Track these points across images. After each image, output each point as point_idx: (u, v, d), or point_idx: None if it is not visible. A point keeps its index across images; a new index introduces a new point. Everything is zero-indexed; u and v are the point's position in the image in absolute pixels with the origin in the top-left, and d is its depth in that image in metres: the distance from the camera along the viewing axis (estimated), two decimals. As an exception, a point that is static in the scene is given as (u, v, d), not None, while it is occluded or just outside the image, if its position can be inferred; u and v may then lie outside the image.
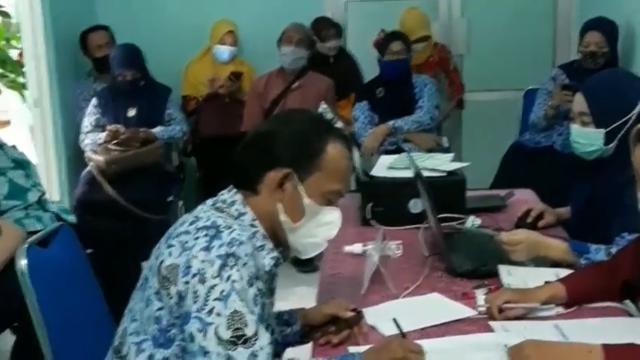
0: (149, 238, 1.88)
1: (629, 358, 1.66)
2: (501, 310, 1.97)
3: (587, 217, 2.53)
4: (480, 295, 2.11)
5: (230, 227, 1.62)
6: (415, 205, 2.75)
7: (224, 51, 5.31)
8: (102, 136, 4.63)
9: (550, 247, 2.31)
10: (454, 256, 2.35)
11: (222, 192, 1.77)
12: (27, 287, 1.97)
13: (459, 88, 5.43)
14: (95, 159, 4.56)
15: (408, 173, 2.73)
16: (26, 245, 2.06)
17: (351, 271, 2.39)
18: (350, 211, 2.99)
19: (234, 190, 1.75)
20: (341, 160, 1.74)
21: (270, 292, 1.76)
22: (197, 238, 1.60)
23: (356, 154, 3.06)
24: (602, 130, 2.42)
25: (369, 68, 5.08)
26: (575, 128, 2.50)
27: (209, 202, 1.76)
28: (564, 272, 2.19)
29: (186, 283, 1.56)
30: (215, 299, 1.53)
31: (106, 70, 4.88)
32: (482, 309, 2.02)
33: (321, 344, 1.91)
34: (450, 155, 3.18)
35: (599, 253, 2.23)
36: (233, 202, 1.73)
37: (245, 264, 1.57)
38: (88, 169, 4.61)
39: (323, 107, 3.11)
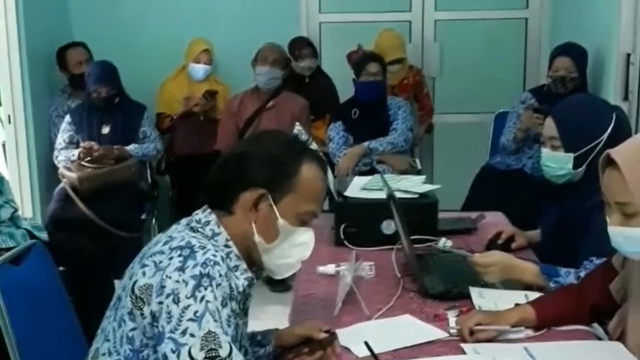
0: (122, 256, 1.89)
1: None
2: (472, 333, 2.00)
3: (556, 240, 2.56)
4: (452, 317, 2.15)
5: (204, 247, 1.62)
6: (388, 227, 2.77)
7: (199, 69, 5.32)
8: (75, 152, 4.61)
9: (523, 269, 2.35)
10: (426, 277, 2.38)
11: (197, 212, 1.77)
12: (-1, 305, 1.96)
13: (429, 113, 5.50)
14: (68, 176, 4.54)
15: (382, 194, 2.76)
16: (-1, 263, 2.05)
17: (324, 292, 2.41)
18: (323, 232, 3.01)
19: (209, 210, 1.75)
20: (315, 182, 1.76)
21: (243, 312, 1.77)
22: (171, 258, 1.60)
23: (330, 174, 3.08)
24: (572, 155, 2.45)
25: (343, 89, 5.12)
26: (545, 152, 2.54)
27: (183, 221, 1.76)
28: (534, 295, 2.22)
29: (160, 303, 1.56)
30: (189, 320, 1.53)
31: (82, 86, 4.88)
32: (454, 331, 2.05)
33: None
34: (423, 177, 3.21)
35: (568, 276, 2.26)
36: (207, 222, 1.73)
37: (219, 284, 1.57)
38: (61, 185, 4.59)
39: (298, 128, 3.13)
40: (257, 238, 1.73)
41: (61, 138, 4.72)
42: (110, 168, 4.55)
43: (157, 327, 1.56)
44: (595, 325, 2.12)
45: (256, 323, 2.07)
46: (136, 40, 5.57)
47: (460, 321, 2.05)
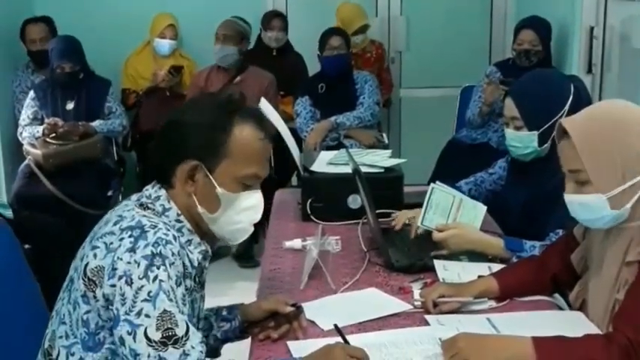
0: (88, 233, 1.86)
1: (557, 350, 1.73)
2: (436, 305, 2.03)
3: (526, 215, 2.58)
4: (417, 290, 2.17)
5: (155, 226, 1.60)
6: (354, 201, 2.78)
7: (164, 44, 5.29)
8: (40, 129, 4.56)
9: (487, 243, 2.37)
10: (391, 251, 2.40)
11: (147, 187, 1.74)
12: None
13: (388, 87, 5.51)
14: (33, 152, 4.49)
15: (348, 169, 2.76)
16: (-39, 241, 2.03)
17: (291, 267, 2.42)
18: (290, 207, 3.03)
19: (158, 185, 1.73)
20: (251, 143, 1.70)
21: (200, 285, 1.76)
22: (122, 239, 1.57)
23: (296, 150, 3.08)
24: (535, 132, 2.47)
25: (313, 64, 5.11)
26: (509, 132, 2.55)
27: (134, 197, 1.74)
28: (497, 267, 2.25)
29: (113, 285, 1.54)
30: (143, 300, 1.51)
31: (41, 63, 4.81)
32: (418, 303, 2.08)
33: (261, 340, 1.92)
34: (389, 152, 3.22)
35: (533, 250, 2.29)
36: (158, 198, 1.71)
37: (172, 263, 1.56)
38: (25, 162, 4.54)
39: (263, 102, 3.12)
40: (200, 209, 1.70)
41: (25, 114, 4.67)
42: (75, 144, 4.51)
43: (112, 310, 1.55)
44: (557, 295, 2.16)
45: (225, 299, 2.09)
46: (100, 15, 5.53)
47: (424, 293, 2.08)
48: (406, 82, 5.75)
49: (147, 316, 1.51)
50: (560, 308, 2.10)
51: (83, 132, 4.58)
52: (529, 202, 2.57)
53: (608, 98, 3.62)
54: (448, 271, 2.27)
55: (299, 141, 4.35)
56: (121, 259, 1.55)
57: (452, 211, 2.52)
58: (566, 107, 2.44)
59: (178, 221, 1.70)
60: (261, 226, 4.61)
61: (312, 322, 1.98)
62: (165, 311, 1.52)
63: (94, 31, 5.26)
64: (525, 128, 2.49)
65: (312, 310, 2.04)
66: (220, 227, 1.75)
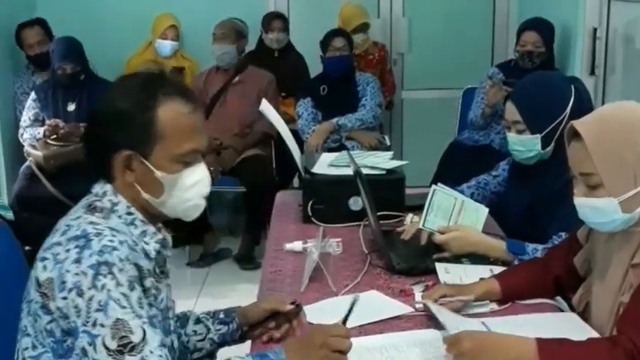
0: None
1: (561, 353, 1.72)
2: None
3: (529, 218, 2.56)
4: (418, 292, 2.16)
5: (100, 234, 1.56)
6: (355, 203, 2.77)
7: (166, 45, 5.28)
8: (41, 130, 4.55)
9: (489, 246, 2.36)
10: (393, 253, 2.38)
11: (95, 184, 1.70)
12: (-38, 284, 1.94)
13: (391, 89, 5.50)
14: (34, 154, 4.49)
15: (349, 171, 2.75)
16: (-38, 242, 2.02)
17: (292, 269, 2.41)
18: (291, 208, 3.01)
19: (104, 180, 1.68)
20: (179, 120, 1.63)
21: (164, 274, 1.74)
22: (68, 250, 1.54)
23: (297, 151, 3.07)
24: (538, 136, 2.46)
25: (314, 66, 5.10)
26: (511, 136, 2.54)
27: (84, 201, 1.70)
28: (499, 270, 2.24)
29: (64, 298, 1.52)
30: (95, 310, 1.49)
31: (40, 66, 4.80)
32: (420, 306, 2.06)
33: (264, 342, 1.91)
34: (390, 153, 3.21)
35: (536, 253, 2.28)
36: (105, 193, 1.66)
37: (122, 269, 1.52)
38: (26, 164, 4.54)
39: (264, 104, 3.11)
40: (145, 196, 1.66)
41: (26, 116, 4.66)
42: (76, 146, 4.49)
43: (70, 323, 1.53)
44: (558, 298, 2.15)
45: (226, 301, 2.07)
46: (102, 16, 5.53)
47: (426, 294, 2.07)
48: (408, 84, 5.73)
49: (102, 325, 1.49)
50: (562, 311, 2.08)
51: (84, 133, 4.56)
52: (531, 204, 2.56)
53: (611, 100, 3.59)
54: (450, 274, 2.26)
55: (300, 143, 4.35)
56: (69, 271, 1.52)
57: (453, 213, 2.51)
58: (568, 109, 2.43)
59: (129, 214, 1.66)
60: (262, 228, 4.64)
61: (313, 324, 1.96)
62: (117, 320, 1.49)
63: (95, 32, 5.26)
64: (528, 132, 2.48)
65: (313, 312, 2.02)
66: (170, 209, 1.70)
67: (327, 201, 2.80)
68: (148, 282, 1.61)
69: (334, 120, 4.62)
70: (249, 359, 1.62)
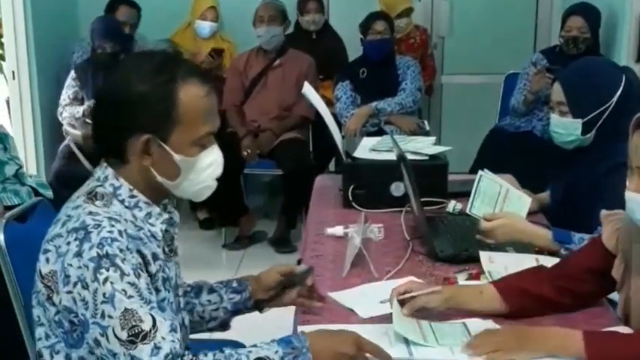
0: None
1: (609, 344, 1.67)
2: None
3: (566, 206, 2.53)
4: (462, 281, 2.12)
5: (99, 225, 1.54)
6: (397, 189, 2.74)
7: (205, 27, 5.26)
8: (80, 110, 4.57)
9: (534, 234, 2.30)
10: (436, 240, 2.35)
11: (96, 169, 1.68)
12: (5, 262, 1.94)
13: (431, 74, 5.43)
14: (73, 133, 4.52)
15: (391, 156, 2.72)
16: (4, 220, 2.03)
17: (333, 254, 2.38)
18: (331, 193, 2.99)
19: (105, 164, 1.66)
20: (198, 102, 1.61)
21: (172, 252, 1.72)
22: (69, 243, 1.54)
23: (338, 135, 3.04)
24: (580, 121, 2.42)
25: (352, 46, 5.06)
26: (554, 118, 2.50)
27: (85, 186, 1.68)
28: (545, 259, 2.19)
29: (69, 292, 1.52)
30: (102, 302, 1.49)
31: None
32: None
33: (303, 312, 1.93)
34: (433, 138, 3.17)
35: (582, 242, 2.22)
36: (106, 178, 1.65)
37: (124, 259, 1.52)
38: (65, 142, 4.57)
39: (306, 87, 3.08)
40: (160, 179, 1.64)
41: (66, 94, 4.69)
42: (114, 125, 4.51)
43: (78, 316, 1.53)
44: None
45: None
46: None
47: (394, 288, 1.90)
48: (448, 68, 5.66)
49: (110, 317, 1.49)
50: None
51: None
52: (570, 192, 2.52)
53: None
54: (494, 263, 2.21)
55: (338, 126, 4.32)
56: (71, 265, 1.52)
57: (499, 200, 2.47)
58: (615, 98, 2.38)
59: (132, 197, 1.64)
60: (298, 212, 4.63)
61: (351, 311, 1.95)
62: (126, 309, 1.49)
63: (135, 13, 5.24)
64: (570, 115, 2.44)
65: (351, 297, 2.02)
66: (183, 191, 1.69)
67: (369, 186, 2.77)
68: (154, 267, 1.60)
69: (373, 104, 4.58)
70: (273, 345, 1.60)
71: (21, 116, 4.88)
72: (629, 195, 1.77)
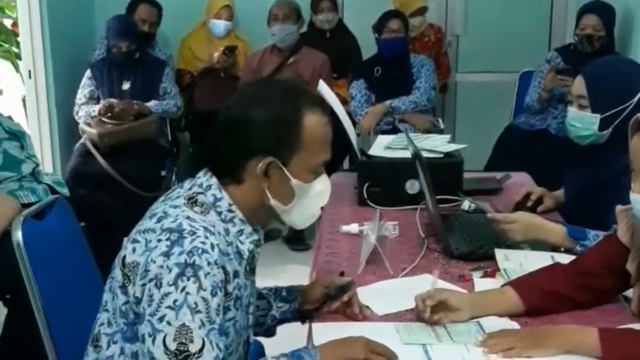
0: (142, 212, 1.86)
1: (624, 341, 1.67)
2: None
3: (581, 203, 2.53)
4: (477, 278, 2.13)
5: (195, 233, 1.55)
6: (412, 186, 2.74)
7: (220, 25, 5.27)
8: (96, 108, 4.60)
9: (549, 230, 2.31)
10: (451, 238, 2.35)
11: (199, 174, 1.70)
12: (23, 259, 1.95)
13: (445, 72, 5.42)
14: (89, 131, 4.53)
15: (406, 153, 2.72)
16: (22, 217, 2.04)
17: (348, 251, 2.39)
18: (346, 191, 2.99)
19: (209, 173, 1.68)
20: (320, 130, 1.66)
21: (251, 271, 1.74)
22: (160, 241, 1.54)
23: (353, 133, 3.04)
24: (598, 116, 2.41)
25: (366, 45, 5.05)
26: (572, 111, 2.50)
27: (186, 185, 1.69)
28: (560, 257, 2.19)
29: (143, 285, 1.53)
30: (167, 307, 1.50)
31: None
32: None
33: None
34: (447, 136, 3.17)
35: (597, 239, 2.22)
36: (209, 187, 1.66)
37: (207, 273, 1.52)
38: (81, 141, 4.59)
39: (321, 85, 3.08)
40: (273, 202, 1.67)
41: (82, 93, 4.71)
42: (130, 124, 4.54)
43: (140, 307, 1.54)
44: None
45: (276, 282, 2.06)
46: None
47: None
48: (462, 67, 5.64)
49: (168, 323, 1.49)
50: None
51: (138, 112, 4.60)
52: (585, 189, 2.51)
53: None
54: (510, 260, 2.21)
55: (353, 124, 4.32)
56: (155, 262, 1.52)
57: None
58: (636, 99, 2.37)
59: (230, 211, 1.66)
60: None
61: (367, 307, 1.96)
62: (184, 325, 1.49)
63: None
64: (589, 109, 2.43)
65: (368, 294, 2.02)
66: (292, 216, 1.73)
67: (384, 184, 2.78)
68: (232, 285, 1.60)
69: (387, 102, 4.58)
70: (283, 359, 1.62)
71: (37, 115, 4.91)
72: (634, 197, 1.78)
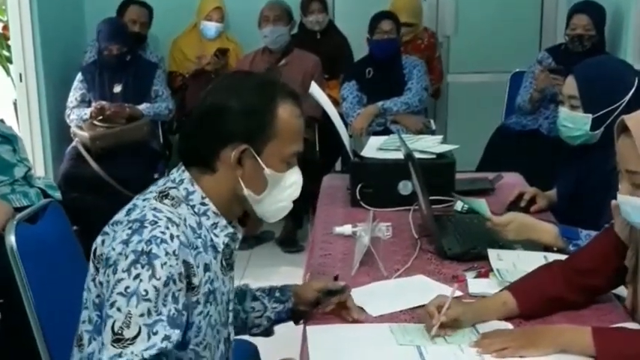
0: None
1: (617, 340, 1.68)
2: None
3: (573, 202, 2.54)
4: (471, 278, 2.13)
5: (155, 222, 1.55)
6: (405, 187, 2.75)
7: (211, 27, 5.27)
8: (87, 111, 4.58)
9: (541, 230, 2.32)
10: (444, 238, 2.36)
11: (173, 170, 1.72)
12: (16, 263, 1.95)
13: (438, 77, 5.43)
14: (80, 135, 4.52)
15: (398, 155, 2.73)
16: (15, 221, 2.04)
17: (341, 252, 2.39)
18: (339, 192, 3.00)
19: (183, 167, 1.69)
20: (294, 121, 1.69)
21: (229, 266, 1.74)
22: (123, 231, 1.56)
23: (346, 134, 3.05)
24: (590, 116, 2.42)
25: (357, 46, 5.06)
26: (563, 111, 2.50)
27: (160, 182, 1.71)
28: (553, 256, 2.19)
29: (104, 273, 1.55)
30: (118, 293, 1.50)
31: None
32: (473, 291, 2.04)
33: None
34: (440, 137, 3.18)
35: (589, 239, 2.23)
36: (182, 181, 1.67)
37: (164, 263, 1.51)
38: (73, 144, 4.57)
39: (314, 86, 3.09)
40: (246, 192, 1.68)
41: (73, 96, 4.69)
42: (122, 127, 4.52)
43: (104, 294, 1.55)
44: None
45: (269, 284, 2.05)
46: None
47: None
48: (454, 67, 5.65)
49: (118, 310, 1.49)
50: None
51: (130, 114, 4.59)
52: (577, 189, 2.52)
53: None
54: (503, 260, 2.21)
55: (345, 125, 4.33)
56: (114, 250, 1.54)
57: None
58: (627, 98, 2.38)
59: (203, 204, 1.67)
60: (305, 211, 4.63)
61: (361, 308, 1.96)
62: (129, 313, 1.49)
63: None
64: (581, 109, 2.44)
65: (362, 295, 2.02)
66: (264, 207, 1.73)
67: (377, 185, 2.79)
68: (199, 279, 1.60)
69: (379, 103, 4.58)
70: None
71: (29, 118, 4.89)
72: (621, 198, 1.79)
